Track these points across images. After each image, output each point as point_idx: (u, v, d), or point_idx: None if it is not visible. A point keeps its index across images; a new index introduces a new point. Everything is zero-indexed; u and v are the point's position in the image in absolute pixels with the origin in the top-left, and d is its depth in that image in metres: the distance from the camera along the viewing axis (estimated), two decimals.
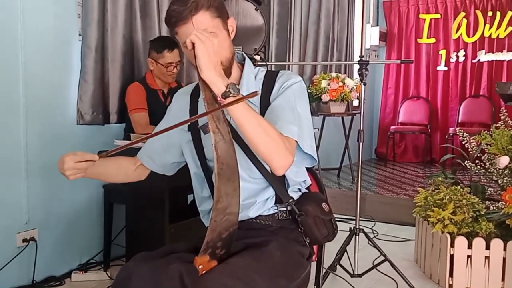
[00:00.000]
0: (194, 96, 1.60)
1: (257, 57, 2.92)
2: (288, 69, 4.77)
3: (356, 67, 2.88)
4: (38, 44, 2.72)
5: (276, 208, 1.55)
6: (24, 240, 2.69)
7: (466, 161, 3.00)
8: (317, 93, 5.02)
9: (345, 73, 5.82)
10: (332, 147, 5.89)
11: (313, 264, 1.71)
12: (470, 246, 2.73)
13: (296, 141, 1.40)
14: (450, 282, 2.79)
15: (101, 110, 2.97)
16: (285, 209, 1.55)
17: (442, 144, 6.54)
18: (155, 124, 2.75)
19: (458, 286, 2.77)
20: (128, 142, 1.36)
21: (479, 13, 6.62)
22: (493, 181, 2.98)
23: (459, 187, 2.90)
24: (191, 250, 1.39)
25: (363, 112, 2.86)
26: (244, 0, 2.96)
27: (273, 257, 1.39)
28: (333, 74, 5.16)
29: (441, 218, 2.75)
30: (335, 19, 5.59)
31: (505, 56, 6.51)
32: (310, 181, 1.69)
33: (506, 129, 2.94)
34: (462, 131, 3.11)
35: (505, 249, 2.69)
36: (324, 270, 2.63)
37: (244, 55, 1.60)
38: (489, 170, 2.92)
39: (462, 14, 6.73)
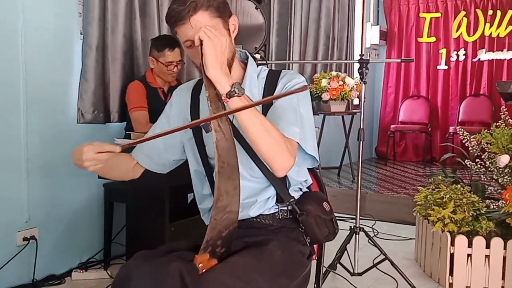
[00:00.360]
0: (195, 93, 1.59)
1: (258, 56, 2.92)
2: (289, 68, 4.77)
3: (356, 66, 2.88)
4: (39, 43, 2.72)
5: (277, 207, 1.55)
6: (25, 239, 2.69)
7: (466, 160, 3.00)
8: (317, 92, 5.02)
9: (345, 72, 5.82)
10: (332, 146, 5.89)
11: (313, 263, 1.71)
12: (470, 245, 2.73)
13: (298, 143, 1.40)
14: (450, 281, 2.79)
15: (102, 108, 2.97)
16: (286, 208, 1.54)
17: (442, 143, 6.54)
18: (153, 123, 2.76)
19: (458, 285, 2.77)
20: (153, 134, 1.30)
21: (479, 12, 6.61)
22: (493, 180, 2.98)
23: (459, 186, 2.90)
24: (191, 248, 1.39)
25: (363, 111, 2.86)
26: None
27: (273, 256, 1.39)
28: (334, 73, 5.16)
29: (441, 217, 2.75)
30: (335, 18, 5.59)
31: (505, 55, 6.51)
32: (311, 181, 1.69)
33: (506, 128, 2.94)
34: (462, 130, 3.11)
35: (505, 248, 2.69)
36: (324, 269, 2.64)
37: (248, 53, 1.59)
38: (489, 169, 2.93)
39: (463, 13, 6.73)
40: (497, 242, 2.70)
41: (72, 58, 2.91)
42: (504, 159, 2.79)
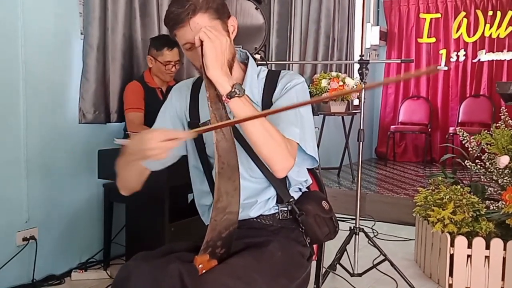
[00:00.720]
0: (195, 92, 1.58)
1: (258, 56, 2.92)
2: (289, 68, 4.77)
3: (356, 66, 2.88)
4: (39, 43, 2.72)
5: (277, 207, 1.55)
6: (24, 239, 2.69)
7: (466, 161, 3.00)
8: (318, 92, 5.01)
9: (345, 72, 5.81)
10: (332, 146, 5.89)
11: (313, 264, 1.71)
12: (470, 245, 2.73)
13: (298, 144, 1.40)
14: (450, 282, 2.79)
15: (103, 108, 2.97)
16: (286, 208, 1.54)
17: (442, 143, 6.54)
18: (152, 123, 2.75)
19: (458, 285, 2.77)
20: (215, 125, 1.19)
21: (479, 12, 6.61)
22: (493, 181, 2.98)
23: (459, 186, 2.90)
24: (191, 249, 1.38)
25: (363, 112, 2.86)
26: None
27: (273, 257, 1.39)
28: (334, 74, 5.16)
29: (441, 217, 2.75)
30: (335, 19, 5.59)
31: (505, 55, 6.51)
32: (311, 181, 1.69)
33: (506, 128, 2.94)
34: (462, 130, 3.11)
35: (505, 249, 2.69)
36: (324, 270, 2.64)
37: (248, 54, 1.59)
38: (489, 169, 2.93)
39: (463, 13, 6.73)
40: (497, 243, 2.70)
41: (72, 58, 2.91)
42: (504, 160, 2.79)
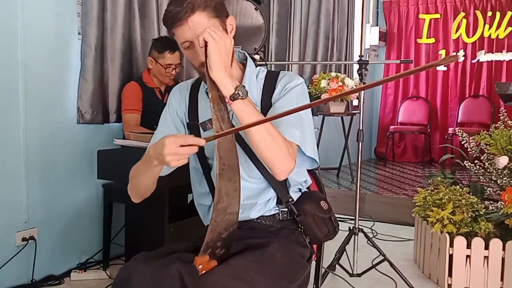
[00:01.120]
0: (194, 92, 1.59)
1: (257, 57, 2.92)
2: (288, 69, 4.77)
3: (355, 66, 2.88)
4: (38, 43, 2.72)
5: (277, 208, 1.55)
6: (24, 239, 2.69)
7: (465, 161, 3.00)
8: (317, 92, 5.02)
9: (344, 72, 5.82)
10: (331, 146, 5.89)
11: (313, 264, 1.71)
12: (469, 246, 2.73)
13: (298, 145, 1.40)
14: (449, 282, 2.80)
15: (101, 109, 2.97)
16: (285, 209, 1.55)
17: (441, 144, 6.55)
18: (151, 123, 2.75)
19: (457, 286, 2.78)
20: (228, 130, 1.22)
21: (478, 13, 6.62)
22: (492, 181, 2.98)
23: (458, 187, 2.90)
24: (191, 250, 1.39)
25: (363, 112, 2.86)
26: (244, 0, 2.96)
27: (274, 258, 1.39)
28: (333, 74, 5.16)
29: (440, 218, 2.75)
30: (335, 19, 5.59)
31: (504, 56, 6.52)
32: (311, 181, 1.69)
33: (505, 129, 2.94)
34: (461, 131, 3.12)
35: (504, 249, 2.69)
36: (324, 270, 2.64)
37: (246, 54, 1.59)
38: (488, 170, 2.93)
39: (462, 14, 6.74)
40: (496, 243, 2.70)
41: (71, 58, 2.90)
42: (503, 160, 2.80)
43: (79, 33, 2.92)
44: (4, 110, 2.58)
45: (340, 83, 5.03)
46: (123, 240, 2.86)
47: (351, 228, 2.83)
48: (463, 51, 6.76)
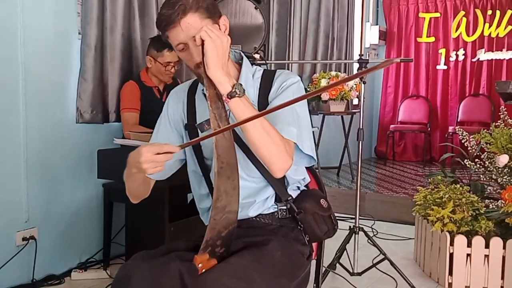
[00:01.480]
0: (191, 93, 1.59)
1: (257, 56, 2.91)
2: (288, 68, 4.77)
3: (355, 65, 2.88)
4: (38, 43, 2.72)
5: (276, 206, 1.55)
6: (24, 239, 2.69)
7: (466, 160, 3.00)
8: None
9: (344, 71, 5.82)
10: (331, 146, 5.89)
11: (313, 263, 1.71)
12: (469, 244, 2.73)
13: (295, 143, 1.40)
14: (450, 281, 2.80)
15: (100, 108, 2.97)
16: (284, 207, 1.55)
17: (441, 143, 6.54)
18: (150, 122, 2.75)
19: (457, 284, 2.78)
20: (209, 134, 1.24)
21: (478, 12, 6.61)
22: (493, 180, 2.98)
23: (458, 185, 2.90)
24: (191, 248, 1.39)
25: (363, 111, 2.86)
26: None
27: (273, 257, 1.39)
28: (333, 73, 5.16)
29: (441, 216, 2.75)
30: (334, 18, 5.59)
31: (504, 55, 6.51)
32: (309, 179, 1.69)
33: (505, 127, 2.94)
34: (461, 130, 3.11)
35: (504, 248, 2.70)
36: (324, 269, 2.64)
37: (242, 54, 1.59)
38: (489, 168, 2.93)
39: (462, 13, 6.73)
40: (496, 242, 2.70)
41: (70, 58, 2.91)
42: (503, 159, 2.80)
43: (79, 33, 2.92)
44: (4, 110, 2.58)
45: None
46: (123, 239, 2.86)
47: (352, 227, 2.83)
48: (463, 49, 6.75)
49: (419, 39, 7.04)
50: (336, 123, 5.75)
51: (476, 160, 3.01)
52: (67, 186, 2.92)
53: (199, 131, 1.53)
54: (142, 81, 3.00)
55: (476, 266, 2.74)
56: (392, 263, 2.71)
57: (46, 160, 2.79)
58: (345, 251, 2.83)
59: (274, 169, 1.37)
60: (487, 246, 2.71)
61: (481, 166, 2.97)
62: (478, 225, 2.74)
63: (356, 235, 2.81)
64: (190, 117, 1.56)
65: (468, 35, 6.72)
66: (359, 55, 2.88)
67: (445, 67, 6.89)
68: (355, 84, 5.09)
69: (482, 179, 3.18)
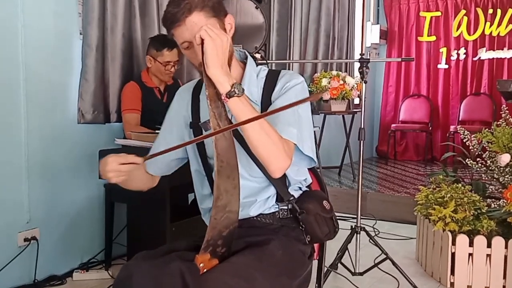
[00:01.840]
0: (196, 93, 1.60)
1: (258, 56, 2.92)
2: (289, 67, 4.77)
3: (356, 65, 2.87)
4: (39, 43, 2.72)
5: (277, 206, 1.55)
6: (26, 240, 2.69)
7: (467, 159, 3.00)
8: (318, 91, 5.01)
9: (345, 71, 5.80)
10: (333, 145, 5.89)
11: (315, 263, 1.71)
12: (471, 244, 2.73)
13: (295, 144, 1.40)
14: (452, 280, 2.79)
15: (102, 109, 2.98)
16: (286, 207, 1.55)
17: (443, 142, 6.53)
18: (151, 122, 2.76)
19: (459, 284, 2.77)
20: (177, 145, 1.33)
21: (479, 10, 6.60)
22: (494, 179, 2.98)
23: (460, 185, 2.90)
24: (192, 248, 1.39)
25: (364, 111, 2.86)
26: None
27: (274, 256, 1.39)
28: (334, 72, 5.15)
29: (442, 216, 2.75)
30: (335, 17, 5.58)
31: (505, 53, 6.50)
32: (311, 179, 1.69)
33: (507, 126, 2.93)
34: (463, 129, 3.11)
35: (506, 247, 2.69)
36: (326, 269, 2.63)
37: (247, 53, 1.59)
38: (490, 168, 2.92)
39: (463, 12, 6.72)
40: (498, 241, 2.70)
41: (72, 58, 2.91)
42: (505, 158, 2.79)
43: (80, 33, 2.92)
44: (5, 111, 2.58)
45: (341, 82, 5.02)
46: (125, 240, 2.86)
47: (353, 226, 2.83)
48: (464, 48, 6.74)
49: (420, 38, 7.03)
50: (337, 122, 5.74)
51: (478, 159, 3.01)
52: (69, 187, 2.92)
53: (203, 129, 1.53)
54: (143, 82, 3.01)
55: (478, 265, 2.74)
56: (394, 263, 2.71)
57: (48, 160, 2.79)
58: (346, 251, 2.83)
59: (272, 169, 1.37)
60: (489, 245, 2.71)
61: (482, 165, 2.96)
62: (480, 225, 2.74)
63: (358, 234, 2.80)
64: (194, 115, 1.56)
65: (469, 34, 6.71)
66: (360, 54, 2.87)
67: (446, 66, 6.88)
68: (356, 84, 5.09)
69: (483, 178, 3.18)
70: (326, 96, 5.00)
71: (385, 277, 2.86)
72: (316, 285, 1.80)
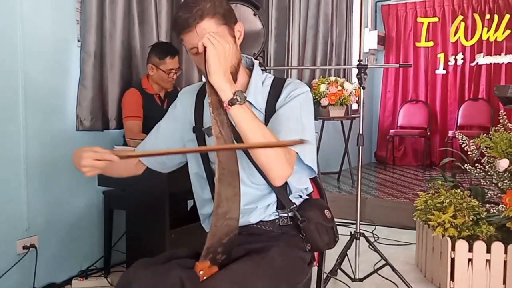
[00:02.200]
0: (200, 97, 1.58)
1: (256, 62, 2.92)
2: (287, 74, 4.78)
3: (355, 71, 2.88)
4: (37, 50, 2.72)
5: (277, 214, 1.54)
6: (25, 247, 2.68)
7: (466, 164, 3.00)
8: (316, 97, 5.02)
9: (344, 77, 5.82)
10: (331, 151, 5.89)
11: (314, 269, 1.71)
12: (471, 249, 2.73)
13: (297, 153, 1.40)
14: (452, 286, 2.79)
15: (100, 116, 2.97)
16: (286, 215, 1.54)
17: (441, 147, 6.53)
18: (151, 129, 2.75)
19: None
20: (158, 151, 1.39)
21: (476, 16, 6.63)
22: (493, 184, 2.98)
23: (459, 190, 2.89)
24: (192, 256, 1.39)
25: (362, 116, 2.87)
26: (243, 5, 2.97)
27: (274, 263, 1.39)
28: (332, 78, 5.16)
29: (442, 221, 2.75)
30: (333, 24, 5.60)
31: (503, 59, 6.52)
32: (312, 188, 1.69)
33: (505, 132, 2.94)
34: (461, 134, 3.11)
35: (506, 252, 2.69)
36: (325, 275, 2.63)
37: (254, 60, 1.59)
38: (489, 173, 2.93)
39: (460, 17, 6.74)
40: (497, 246, 2.70)
41: (70, 65, 2.91)
42: (503, 163, 2.79)
43: (78, 40, 2.93)
44: (4, 118, 2.58)
45: (340, 87, 5.03)
46: (124, 247, 2.85)
47: (352, 232, 2.82)
48: (462, 54, 6.76)
49: (417, 44, 7.05)
50: (336, 128, 5.75)
51: (476, 164, 3.01)
52: (67, 194, 2.92)
53: (206, 135, 1.53)
54: (144, 88, 3.01)
55: (478, 271, 2.73)
56: (393, 269, 2.71)
57: (46, 168, 2.79)
58: (346, 257, 2.82)
59: (272, 177, 1.36)
60: (488, 251, 2.71)
61: (481, 171, 2.97)
62: (479, 230, 2.74)
63: (357, 240, 2.80)
64: (197, 120, 1.56)
65: (466, 39, 6.73)
66: (358, 60, 2.88)
67: (444, 72, 6.90)
68: (354, 89, 5.10)
69: (482, 183, 3.18)
70: (325, 102, 5.01)
71: (385, 283, 2.86)
72: None
